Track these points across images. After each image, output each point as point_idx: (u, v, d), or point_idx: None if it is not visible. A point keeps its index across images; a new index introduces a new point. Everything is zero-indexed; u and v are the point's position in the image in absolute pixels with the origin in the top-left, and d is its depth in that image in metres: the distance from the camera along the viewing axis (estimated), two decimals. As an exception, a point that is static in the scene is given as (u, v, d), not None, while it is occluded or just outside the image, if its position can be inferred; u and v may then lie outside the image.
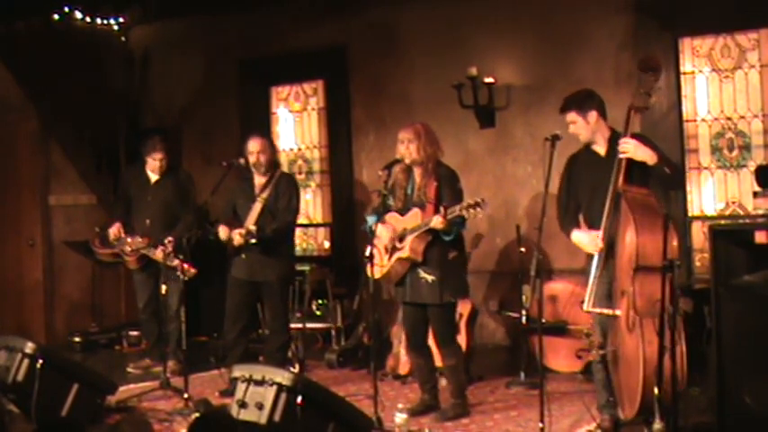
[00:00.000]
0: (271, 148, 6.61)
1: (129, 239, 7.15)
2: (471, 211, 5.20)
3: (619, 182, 4.83)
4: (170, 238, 6.87)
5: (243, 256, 6.48)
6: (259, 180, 6.54)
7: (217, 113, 9.27)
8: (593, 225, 4.98)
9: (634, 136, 4.92)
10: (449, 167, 5.68)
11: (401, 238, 5.58)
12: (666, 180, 4.97)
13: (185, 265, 6.35)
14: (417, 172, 5.66)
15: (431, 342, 5.80)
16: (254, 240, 6.32)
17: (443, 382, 5.91)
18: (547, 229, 4.97)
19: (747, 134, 6.93)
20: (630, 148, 4.85)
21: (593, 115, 5.03)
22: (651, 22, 7.02)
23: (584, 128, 5.06)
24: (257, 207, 6.45)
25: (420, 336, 5.74)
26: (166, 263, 6.81)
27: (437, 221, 5.33)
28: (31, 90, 8.78)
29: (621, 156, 4.87)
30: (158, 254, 6.94)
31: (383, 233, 5.63)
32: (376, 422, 5.04)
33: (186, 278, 6.32)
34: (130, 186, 7.49)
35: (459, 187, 5.60)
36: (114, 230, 7.26)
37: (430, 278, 5.53)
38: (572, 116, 5.07)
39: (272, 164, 6.59)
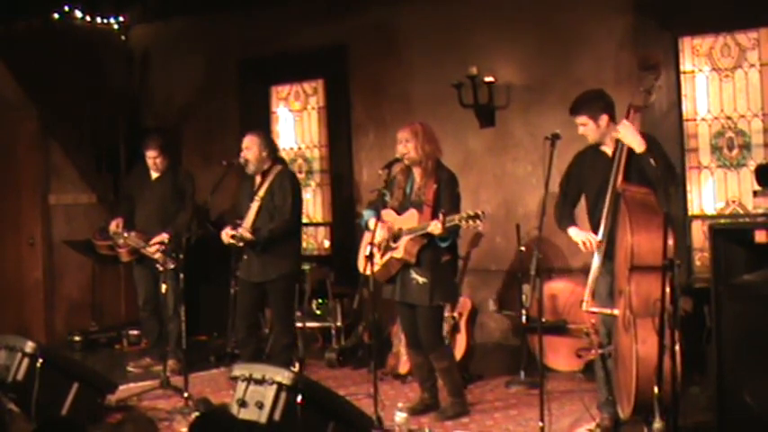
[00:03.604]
0: (261, 146, 6.43)
1: (125, 234, 7.24)
2: (470, 222, 5.20)
3: (618, 180, 4.84)
4: (165, 235, 7.01)
5: (245, 257, 6.47)
6: (258, 178, 6.52)
7: (217, 113, 9.28)
8: (597, 225, 4.98)
9: (641, 134, 4.92)
10: (449, 171, 5.67)
11: (395, 238, 5.58)
12: (654, 172, 4.86)
13: (165, 258, 6.70)
14: (417, 171, 5.66)
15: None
16: (241, 244, 6.29)
17: (443, 381, 5.92)
18: (547, 228, 4.98)
19: (747, 133, 6.92)
20: (623, 131, 4.87)
21: (604, 119, 5.02)
22: (651, 22, 7.02)
23: (595, 131, 5.05)
24: (254, 207, 6.41)
25: (418, 334, 5.74)
26: (153, 255, 6.97)
27: (435, 228, 5.32)
28: (31, 90, 8.77)
29: (615, 134, 4.90)
30: (150, 249, 7.04)
31: (378, 231, 5.60)
32: (376, 421, 5.04)
33: (162, 269, 6.65)
34: (134, 185, 7.59)
35: (457, 192, 5.59)
36: (114, 224, 7.36)
37: (421, 280, 5.53)
38: (583, 119, 5.05)
39: (264, 162, 6.46)
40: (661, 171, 4.89)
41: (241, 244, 6.30)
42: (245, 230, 6.29)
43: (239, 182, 6.67)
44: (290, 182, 6.47)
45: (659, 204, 4.79)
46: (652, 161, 4.85)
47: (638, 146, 4.84)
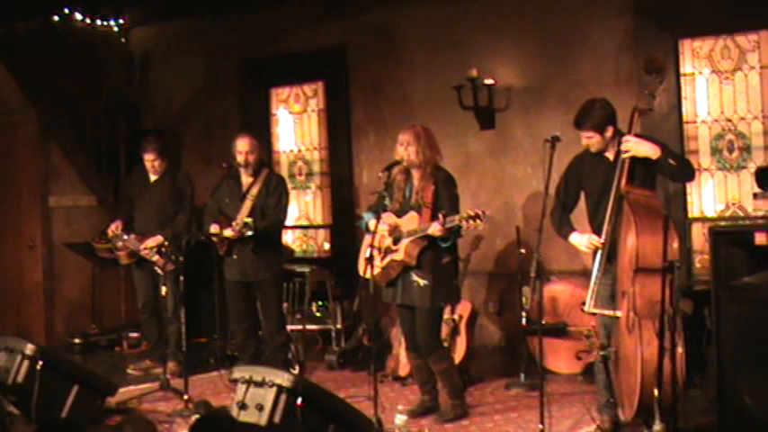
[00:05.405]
0: (259, 148, 6.65)
1: (125, 236, 7.24)
2: (471, 222, 5.19)
3: (622, 183, 4.84)
4: (159, 237, 7.02)
5: (234, 256, 6.49)
6: (246, 179, 6.57)
7: (217, 114, 9.28)
8: (599, 227, 4.98)
9: (635, 135, 4.93)
10: (447, 172, 5.66)
11: (396, 241, 5.58)
12: (674, 173, 4.97)
13: (163, 260, 6.76)
14: (416, 175, 5.65)
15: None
16: (250, 233, 6.29)
17: (443, 383, 5.91)
18: (547, 230, 4.98)
19: (747, 135, 6.93)
20: (632, 146, 4.86)
21: (610, 130, 5.02)
22: (651, 24, 7.02)
23: (600, 142, 5.04)
24: (247, 204, 6.47)
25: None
26: (151, 258, 6.97)
27: (435, 229, 5.31)
28: (30, 90, 8.77)
29: (624, 155, 4.88)
30: (145, 251, 7.07)
31: (378, 231, 5.60)
32: (376, 423, 5.04)
33: (162, 272, 6.67)
34: (133, 187, 7.58)
35: (455, 193, 5.59)
36: (113, 227, 7.35)
37: (422, 282, 5.51)
38: (589, 133, 5.03)
39: (260, 163, 6.62)
40: (680, 166, 4.93)
41: (250, 233, 6.28)
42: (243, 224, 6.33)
43: (223, 182, 6.62)
44: (283, 184, 6.68)
45: (663, 207, 4.80)
46: (671, 161, 4.87)
47: (653, 153, 4.85)
